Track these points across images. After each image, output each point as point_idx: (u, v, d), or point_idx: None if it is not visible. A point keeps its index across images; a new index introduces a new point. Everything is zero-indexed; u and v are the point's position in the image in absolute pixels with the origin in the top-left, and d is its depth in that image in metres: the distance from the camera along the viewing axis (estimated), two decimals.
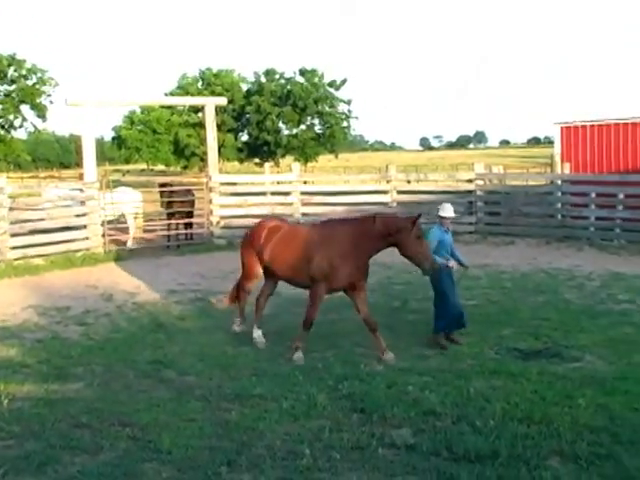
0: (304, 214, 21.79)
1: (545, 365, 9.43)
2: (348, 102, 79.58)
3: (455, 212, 11.49)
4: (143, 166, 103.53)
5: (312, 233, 10.48)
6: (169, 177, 40.75)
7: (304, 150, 77.56)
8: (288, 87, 78.78)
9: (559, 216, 21.41)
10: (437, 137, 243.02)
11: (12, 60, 70.56)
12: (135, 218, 22.29)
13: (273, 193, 23.41)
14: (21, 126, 73.58)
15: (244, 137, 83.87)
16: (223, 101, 26.72)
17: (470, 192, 22.39)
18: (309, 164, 77.73)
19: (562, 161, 24.09)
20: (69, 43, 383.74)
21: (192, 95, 68.87)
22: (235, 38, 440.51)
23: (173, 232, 22.41)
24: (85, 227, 20.04)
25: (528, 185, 27.71)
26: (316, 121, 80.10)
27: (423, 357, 9.96)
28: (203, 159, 53.96)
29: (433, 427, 7.35)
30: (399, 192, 23.01)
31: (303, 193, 22.94)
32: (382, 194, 22.98)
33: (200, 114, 52.54)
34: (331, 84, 78.51)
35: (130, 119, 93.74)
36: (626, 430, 7.13)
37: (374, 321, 10.12)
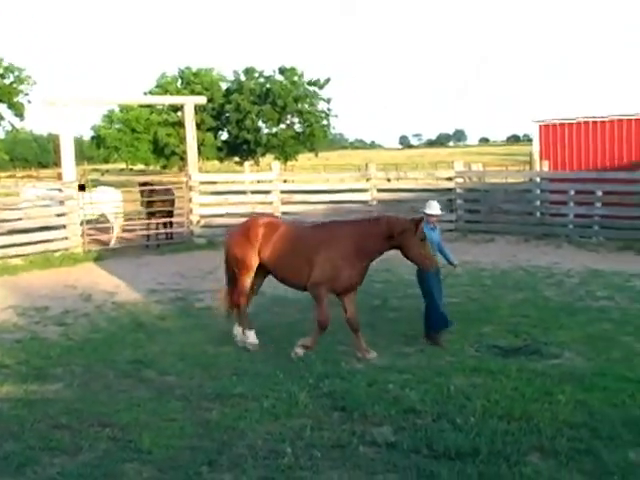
0: (284, 213, 21.76)
1: (525, 362, 9.47)
2: (328, 100, 79.71)
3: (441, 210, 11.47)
4: (122, 165, 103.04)
5: (314, 234, 10.34)
6: (149, 176, 40.54)
7: (284, 149, 77.57)
8: (267, 85, 78.75)
9: (538, 213, 21.54)
10: (416, 135, 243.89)
11: None
12: (116, 218, 22.24)
13: (253, 192, 23.37)
14: None
15: (224, 136, 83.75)
16: (202, 100, 26.63)
17: (450, 190, 22.44)
18: (289, 163, 77.72)
19: (541, 159, 24.25)
20: (47, 41, 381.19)
21: (171, 94, 68.72)
22: (214, 37, 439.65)
23: (153, 231, 22.36)
24: (64, 227, 19.92)
25: (507, 183, 27.89)
26: (296, 120, 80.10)
27: (403, 355, 9.98)
28: (183, 158, 53.89)
29: (413, 425, 7.37)
30: (379, 190, 23.03)
31: (283, 192, 22.92)
32: (362, 192, 23.00)
33: (179, 113, 52.36)
34: (314, 83, 78.54)
35: (109, 118, 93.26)
36: (605, 426, 7.18)
37: (357, 322, 10.11)
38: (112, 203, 22.14)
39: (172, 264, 18.38)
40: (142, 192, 22.85)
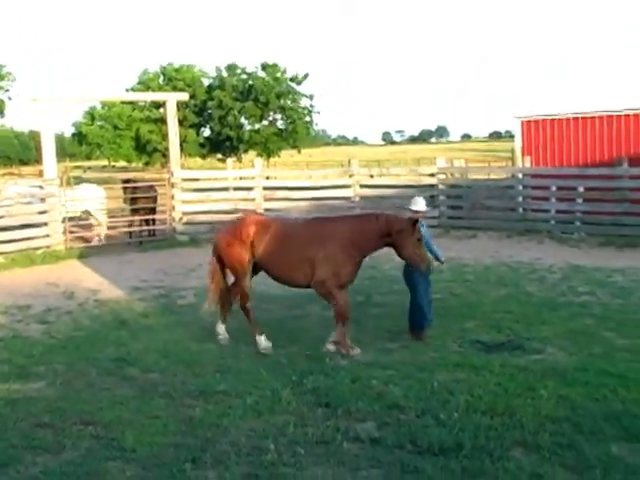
0: (267, 209, 21.75)
1: (507, 357, 9.51)
2: (310, 97, 79.59)
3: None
4: (104, 162, 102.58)
5: (312, 230, 10.24)
6: (131, 173, 40.46)
7: (267, 145, 77.35)
8: (250, 82, 78.53)
9: (520, 209, 21.63)
10: (399, 131, 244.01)
11: None
12: (101, 215, 22.24)
13: (236, 189, 23.35)
14: None
15: (206, 132, 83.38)
16: (185, 96, 26.62)
17: (432, 186, 22.52)
18: (272, 159, 77.62)
19: (523, 155, 24.34)
20: (27, 38, 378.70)
21: (153, 91, 68.43)
22: (196, 33, 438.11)
23: (136, 228, 22.31)
24: (46, 224, 19.82)
25: (490, 179, 27.95)
26: (278, 116, 79.93)
27: (387, 351, 10.00)
28: (165, 155, 53.73)
29: (397, 420, 7.38)
30: (362, 186, 23.08)
31: (266, 188, 22.90)
32: (345, 189, 23.03)
33: (162, 110, 52.19)
34: (293, 79, 78.40)
35: (91, 115, 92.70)
36: (587, 420, 7.23)
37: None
38: (96, 200, 22.07)
39: (155, 261, 18.33)
40: (125, 189, 22.79)
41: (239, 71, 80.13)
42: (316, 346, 10.23)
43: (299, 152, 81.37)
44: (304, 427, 7.26)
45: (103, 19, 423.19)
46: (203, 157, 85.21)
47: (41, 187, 20.41)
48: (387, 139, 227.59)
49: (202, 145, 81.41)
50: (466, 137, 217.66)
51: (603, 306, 12.37)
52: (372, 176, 26.55)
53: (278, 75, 77.83)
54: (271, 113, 78.96)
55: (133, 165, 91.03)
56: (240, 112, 77.03)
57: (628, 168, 19.68)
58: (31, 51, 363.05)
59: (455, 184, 23.27)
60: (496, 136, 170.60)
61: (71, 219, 20.91)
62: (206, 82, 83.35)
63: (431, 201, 22.01)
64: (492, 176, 28.60)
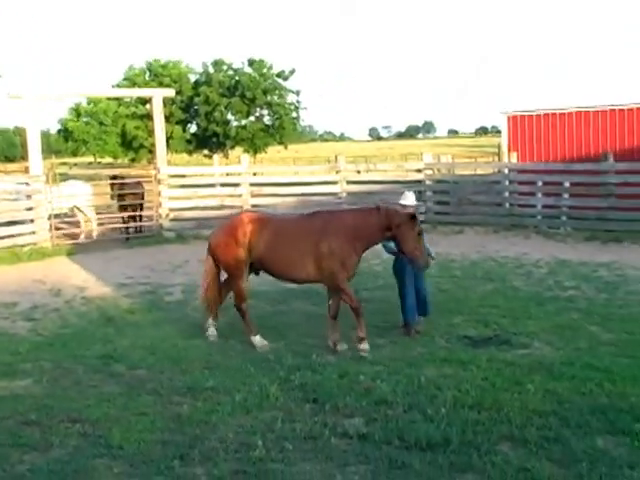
0: (254, 205, 21.73)
1: (494, 352, 9.54)
2: (297, 93, 79.58)
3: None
4: (90, 159, 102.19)
5: (314, 224, 10.04)
6: (117, 169, 40.37)
7: (253, 141, 77.34)
8: (236, 78, 78.41)
9: (507, 205, 21.70)
10: (386, 127, 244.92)
11: None
12: (90, 211, 22.21)
13: (222, 185, 23.31)
14: None
15: (193, 129, 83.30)
16: (171, 92, 26.49)
17: (419, 182, 22.52)
18: (258, 155, 77.58)
19: (509, 150, 24.45)
20: (11, 33, 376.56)
21: (139, 86, 68.13)
22: (182, 29, 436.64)
23: (123, 225, 22.27)
24: (32, 221, 19.74)
25: (476, 174, 28.05)
26: (265, 112, 79.89)
27: (374, 346, 9.99)
28: (151, 151, 53.60)
29: (385, 416, 7.39)
30: (349, 182, 23.07)
31: (253, 184, 22.86)
32: (332, 185, 23.02)
33: (148, 106, 52.11)
34: (279, 74, 78.34)
35: (76, 111, 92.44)
36: (574, 414, 7.26)
37: (337, 311, 10.07)
38: (83, 196, 22.02)
39: (141, 258, 18.29)
40: (112, 185, 22.74)
41: (225, 67, 80.00)
42: (303, 342, 10.24)
43: (286, 148, 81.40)
44: (292, 423, 7.26)
45: (88, 14, 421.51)
46: (190, 153, 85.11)
47: (27, 184, 20.32)
48: (374, 135, 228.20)
49: (189, 141, 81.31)
50: (453, 133, 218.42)
51: (589, 301, 12.42)
52: (359, 172, 26.58)
53: (264, 71, 77.76)
54: (258, 109, 78.94)
55: (119, 161, 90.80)
56: (227, 108, 76.99)
57: (614, 163, 19.77)
58: (15, 47, 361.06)
59: (442, 180, 23.34)
60: (483, 132, 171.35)
61: (57, 216, 20.83)
62: (192, 78, 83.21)
63: (418, 197, 22.05)
64: (479, 171, 28.73)
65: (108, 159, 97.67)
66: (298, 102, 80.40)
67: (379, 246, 10.41)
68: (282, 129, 78.15)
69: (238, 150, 75.23)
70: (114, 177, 23.47)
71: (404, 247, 9.79)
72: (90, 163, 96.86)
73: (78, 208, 21.96)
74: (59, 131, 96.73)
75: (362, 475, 6.21)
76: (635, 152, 22.50)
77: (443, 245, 18.28)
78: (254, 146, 77.23)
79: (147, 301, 13.49)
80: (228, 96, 77.08)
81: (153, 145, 24.57)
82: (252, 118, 79.27)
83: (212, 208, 22.14)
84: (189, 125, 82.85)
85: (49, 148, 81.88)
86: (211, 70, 80.00)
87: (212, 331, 10.63)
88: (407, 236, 9.70)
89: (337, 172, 23.28)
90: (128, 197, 21.95)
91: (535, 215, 20.81)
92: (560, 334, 10.35)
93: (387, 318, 11.23)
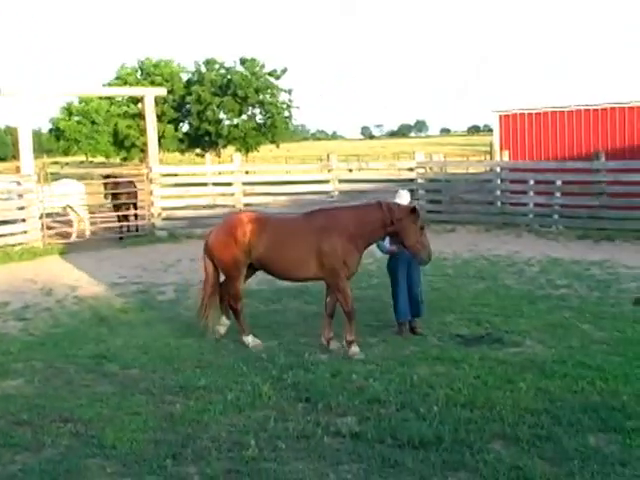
0: (246, 204, 21.72)
1: (486, 351, 9.55)
2: (289, 91, 79.53)
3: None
4: (82, 158, 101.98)
5: (315, 222, 9.93)
6: (109, 169, 40.33)
7: (245, 140, 77.28)
8: (228, 77, 78.33)
9: (499, 203, 21.73)
10: (378, 126, 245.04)
11: None
12: (83, 210, 22.18)
13: (215, 184, 23.28)
14: None
15: (185, 128, 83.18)
16: (163, 91, 26.46)
17: (411, 180, 22.53)
18: (250, 154, 77.53)
19: (501, 149, 24.47)
20: (2, 31, 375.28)
21: (131, 85, 68.02)
22: (174, 27, 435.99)
23: (116, 224, 22.25)
24: (23, 221, 19.68)
25: (468, 173, 28.07)
26: (257, 111, 79.85)
27: (367, 345, 10.00)
28: (143, 150, 53.51)
29: (378, 415, 7.40)
30: (341, 181, 23.08)
31: (245, 183, 22.85)
32: (324, 183, 23.04)
33: (140, 105, 51.93)
34: (271, 74, 78.30)
35: (68, 110, 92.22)
36: (565, 412, 7.28)
37: (334, 309, 10.05)
38: (76, 196, 21.99)
39: (133, 257, 18.26)
40: (106, 185, 22.71)
41: (217, 66, 79.91)
42: (296, 341, 10.24)
43: (278, 147, 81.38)
44: (285, 422, 7.26)
45: (80, 13, 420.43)
46: (182, 152, 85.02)
47: (18, 183, 20.26)
48: (366, 133, 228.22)
49: (181, 140, 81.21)
50: (445, 131, 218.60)
51: (581, 299, 12.45)
52: (351, 170, 26.59)
53: (256, 70, 77.70)
54: (250, 108, 78.88)
55: (111, 160, 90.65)
56: (219, 107, 76.92)
57: (605, 162, 19.83)
58: (6, 46, 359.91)
59: (434, 178, 23.34)
60: (475, 130, 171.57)
61: (49, 215, 20.78)
62: (184, 77, 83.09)
63: (410, 195, 22.08)
64: (471, 170, 28.74)
65: (100, 158, 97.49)
66: (290, 101, 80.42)
67: (373, 246, 10.39)
68: (274, 128, 78.11)
69: (230, 149, 75.22)
70: (107, 176, 23.46)
71: (406, 241, 9.76)
72: (82, 162, 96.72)
73: (71, 207, 21.93)
74: (51, 130, 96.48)
75: (355, 474, 6.21)
76: (627, 151, 22.55)
77: (435, 244, 18.11)
78: (246, 145, 77.18)
79: (139, 300, 13.47)
80: (220, 95, 77.01)
81: (145, 144, 24.55)
82: (244, 117, 79.21)
83: (204, 207, 22.13)
84: (181, 124, 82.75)
85: (41, 147, 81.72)
86: (203, 69, 79.91)
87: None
88: (409, 230, 9.70)
89: (329, 171, 23.31)
90: (122, 196, 21.93)
91: (527, 213, 20.84)
92: (552, 332, 10.37)
93: (379, 317, 11.25)
